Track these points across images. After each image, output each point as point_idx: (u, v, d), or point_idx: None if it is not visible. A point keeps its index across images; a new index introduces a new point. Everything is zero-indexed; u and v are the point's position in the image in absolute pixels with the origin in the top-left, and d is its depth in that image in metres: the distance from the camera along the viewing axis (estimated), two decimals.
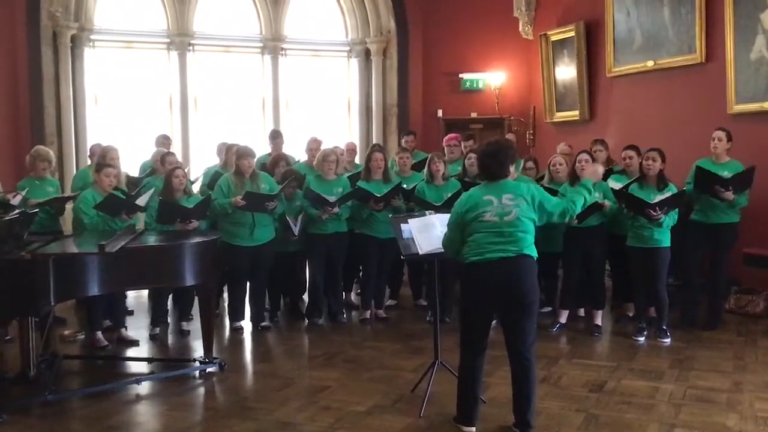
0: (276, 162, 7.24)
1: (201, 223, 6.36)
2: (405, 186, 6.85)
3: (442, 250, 4.74)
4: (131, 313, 7.09)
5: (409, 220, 4.83)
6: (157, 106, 10.33)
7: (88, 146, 8.48)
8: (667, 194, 5.99)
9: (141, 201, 6.10)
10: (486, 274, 4.02)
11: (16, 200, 6.17)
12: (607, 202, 6.23)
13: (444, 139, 8.52)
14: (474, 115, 10.99)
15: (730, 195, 6.18)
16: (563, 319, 6.60)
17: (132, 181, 6.98)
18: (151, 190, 6.30)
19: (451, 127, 10.47)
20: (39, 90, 9.34)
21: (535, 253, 4.13)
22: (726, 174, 6.26)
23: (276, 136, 8.27)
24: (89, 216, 5.93)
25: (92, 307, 6.15)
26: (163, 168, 6.79)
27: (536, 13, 10.49)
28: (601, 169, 4.60)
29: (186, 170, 6.64)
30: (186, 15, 10.26)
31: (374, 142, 10.57)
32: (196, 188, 7.53)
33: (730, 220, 6.36)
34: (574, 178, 6.36)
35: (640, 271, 6.19)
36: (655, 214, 5.90)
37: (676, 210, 6.07)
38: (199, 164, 9.41)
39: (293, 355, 5.99)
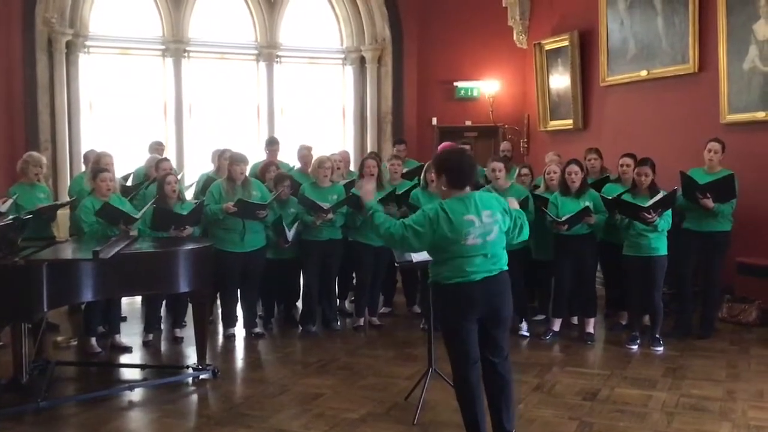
0: (266, 168, 7.24)
1: (194, 229, 6.35)
2: (398, 192, 6.85)
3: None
4: (124, 319, 7.07)
5: None
6: (151, 112, 10.31)
7: (83, 152, 8.46)
8: (658, 196, 6.01)
9: (139, 214, 6.06)
10: (469, 293, 3.89)
11: (4, 206, 6.15)
12: (593, 217, 6.23)
13: (438, 148, 8.52)
14: (468, 123, 11.02)
15: (708, 202, 6.19)
16: (556, 327, 6.61)
17: (125, 191, 6.92)
18: (151, 202, 6.24)
19: (445, 135, 10.49)
20: (33, 96, 9.32)
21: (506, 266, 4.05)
22: None
23: (272, 143, 8.22)
24: (88, 224, 5.91)
25: (89, 312, 6.15)
26: (157, 174, 6.77)
27: (530, 22, 10.54)
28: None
29: (180, 176, 6.61)
30: (181, 21, 10.26)
31: (369, 149, 10.61)
32: (190, 194, 7.52)
33: (721, 229, 6.37)
34: (564, 188, 6.40)
35: (637, 280, 6.17)
36: (649, 216, 5.92)
37: (670, 213, 6.08)
38: (194, 171, 9.41)
39: (287, 362, 5.97)
